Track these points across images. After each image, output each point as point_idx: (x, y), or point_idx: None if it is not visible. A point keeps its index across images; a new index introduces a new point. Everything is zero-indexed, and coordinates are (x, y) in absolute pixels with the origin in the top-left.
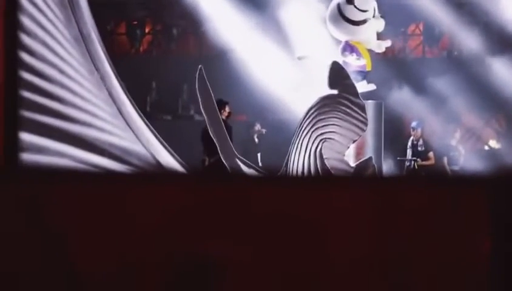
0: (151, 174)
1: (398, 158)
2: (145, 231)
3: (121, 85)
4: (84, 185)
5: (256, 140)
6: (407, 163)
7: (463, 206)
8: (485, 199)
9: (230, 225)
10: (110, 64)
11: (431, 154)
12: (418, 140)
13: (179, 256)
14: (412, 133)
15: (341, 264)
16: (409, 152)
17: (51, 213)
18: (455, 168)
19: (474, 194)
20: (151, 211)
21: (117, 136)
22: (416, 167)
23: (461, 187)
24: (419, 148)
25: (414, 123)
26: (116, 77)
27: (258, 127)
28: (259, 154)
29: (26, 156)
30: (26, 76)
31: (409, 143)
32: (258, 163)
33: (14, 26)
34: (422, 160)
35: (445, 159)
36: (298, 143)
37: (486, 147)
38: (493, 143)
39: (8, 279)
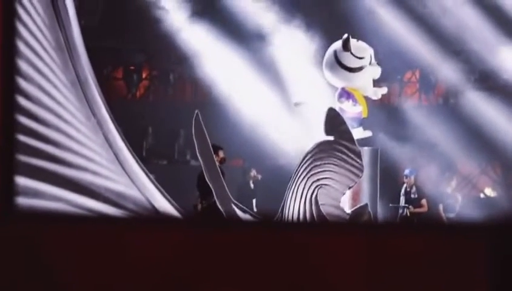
0: (146, 219)
1: (391, 205)
2: (141, 276)
3: (117, 130)
4: (79, 229)
5: (252, 185)
6: (400, 211)
7: (459, 254)
8: (482, 248)
9: (226, 271)
10: (106, 109)
11: (423, 201)
12: (411, 188)
13: None
14: (405, 180)
15: None
16: (402, 199)
17: (47, 256)
18: (451, 215)
19: (470, 242)
20: (147, 256)
21: (113, 180)
22: (408, 214)
23: (458, 234)
24: (412, 196)
25: (407, 171)
26: (113, 122)
27: (253, 172)
28: (254, 200)
29: (22, 200)
30: (23, 119)
31: (402, 191)
32: (253, 208)
33: (11, 71)
34: (415, 208)
35: (441, 207)
36: (294, 189)
37: (482, 195)
38: (489, 192)
39: None
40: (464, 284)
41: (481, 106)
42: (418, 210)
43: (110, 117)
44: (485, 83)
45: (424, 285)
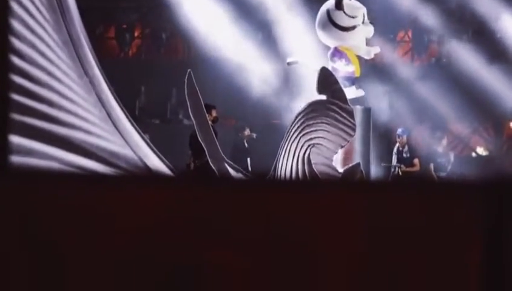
0: (138, 177)
1: (383, 164)
2: (132, 234)
3: (110, 89)
4: (71, 187)
5: (246, 144)
6: (392, 170)
7: (453, 212)
8: (475, 205)
9: (218, 230)
10: (99, 68)
11: (416, 160)
12: (403, 147)
13: (166, 260)
14: (397, 139)
15: (331, 266)
16: (394, 158)
17: (40, 214)
18: (443, 174)
19: (464, 200)
20: (138, 214)
21: (105, 139)
22: (400, 173)
23: (451, 192)
24: (404, 155)
25: (399, 130)
26: (105, 81)
27: (247, 131)
28: (248, 159)
29: (16, 159)
30: (16, 78)
31: (395, 150)
32: (248, 167)
33: (4, 30)
34: (407, 167)
35: (431, 166)
36: (286, 148)
37: (474, 154)
38: (481, 151)
39: None
40: (458, 241)
41: (474, 65)
42: (410, 169)
43: (103, 76)
44: (477, 43)
45: (417, 243)
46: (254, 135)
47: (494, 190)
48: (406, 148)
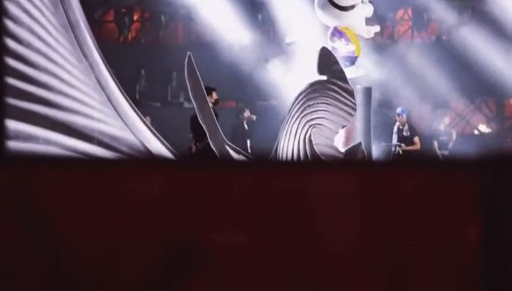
0: (139, 160)
1: (383, 143)
2: (133, 218)
3: (109, 72)
4: (71, 171)
5: (246, 126)
6: (392, 149)
7: (452, 189)
8: (477, 183)
9: (221, 212)
10: (98, 52)
11: (416, 139)
12: (403, 126)
13: (168, 243)
14: (397, 118)
15: (333, 244)
16: (394, 137)
17: (38, 199)
18: (445, 152)
19: (466, 178)
20: (139, 198)
21: (106, 123)
22: (401, 152)
23: (453, 170)
24: (404, 134)
25: (399, 109)
26: (105, 65)
27: (247, 113)
28: (248, 141)
29: (14, 144)
30: (14, 63)
31: (395, 129)
32: (247, 149)
33: (0, 13)
34: (407, 146)
35: (435, 143)
36: (287, 129)
37: (476, 132)
38: (483, 128)
39: None
40: (457, 218)
41: (474, 43)
42: (410, 147)
43: (102, 60)
44: (477, 20)
45: (418, 220)
46: (254, 117)
47: (492, 166)
48: (406, 126)
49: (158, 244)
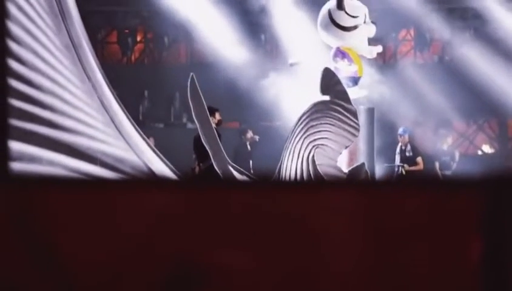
0: (142, 181)
1: (386, 165)
2: (136, 238)
3: (112, 93)
4: (74, 192)
5: (249, 147)
6: (395, 169)
7: (457, 210)
8: (480, 203)
9: (224, 232)
10: (101, 73)
11: (419, 159)
12: (406, 146)
13: (171, 263)
14: (399, 139)
15: (335, 264)
16: (397, 158)
17: (41, 220)
18: (447, 173)
19: (468, 198)
20: (143, 218)
21: (109, 144)
22: (404, 172)
23: (455, 190)
24: (407, 154)
25: (400, 130)
26: (108, 86)
27: (250, 133)
28: (251, 161)
29: (17, 165)
30: (16, 84)
31: (397, 150)
32: (250, 170)
33: (2, 34)
34: (410, 166)
35: (437, 164)
36: (290, 149)
37: (480, 152)
38: (486, 148)
39: None
40: (460, 238)
41: (477, 63)
42: (413, 168)
43: (105, 81)
44: (480, 40)
45: (421, 240)
46: (257, 138)
47: (495, 186)
48: (409, 147)
49: (160, 263)
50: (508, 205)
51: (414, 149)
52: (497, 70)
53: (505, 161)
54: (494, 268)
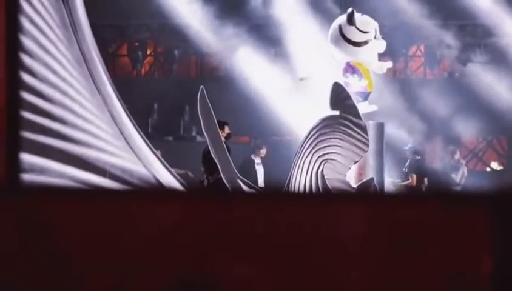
0: (151, 192)
1: (389, 179)
2: (145, 250)
3: (122, 106)
4: (84, 203)
5: (259, 161)
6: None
7: (464, 224)
8: (487, 217)
9: (233, 244)
10: (111, 85)
11: (412, 175)
12: (406, 162)
13: (179, 274)
14: (407, 155)
15: (345, 278)
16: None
17: (51, 230)
18: (457, 188)
19: (476, 213)
20: (151, 230)
21: (118, 156)
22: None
23: (463, 204)
24: (405, 170)
25: (406, 147)
26: (118, 99)
27: (264, 150)
28: (261, 176)
29: (28, 177)
30: (28, 97)
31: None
32: (258, 184)
33: (16, 48)
34: (403, 181)
35: (425, 180)
36: (299, 164)
37: (488, 169)
38: (495, 165)
39: None
40: (469, 251)
41: (487, 79)
42: (404, 183)
43: (115, 94)
44: (490, 57)
45: (428, 254)
46: (265, 152)
47: (503, 202)
48: (408, 163)
49: (166, 273)
50: None
51: (410, 166)
52: (507, 87)
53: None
54: (502, 283)
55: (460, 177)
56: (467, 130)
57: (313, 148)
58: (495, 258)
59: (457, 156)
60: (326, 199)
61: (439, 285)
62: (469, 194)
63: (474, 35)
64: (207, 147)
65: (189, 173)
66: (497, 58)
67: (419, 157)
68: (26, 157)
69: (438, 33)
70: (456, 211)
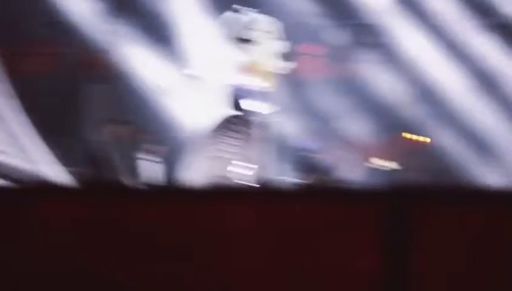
0: (39, 189)
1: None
2: (38, 248)
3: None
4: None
5: (151, 160)
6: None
7: (356, 220)
8: (378, 214)
9: (116, 242)
10: None
11: (307, 173)
12: None
13: (72, 274)
14: (303, 153)
15: (230, 273)
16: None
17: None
18: (349, 185)
19: (368, 210)
20: (41, 228)
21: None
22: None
23: (356, 202)
24: (300, 167)
25: (303, 145)
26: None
27: (160, 148)
28: (154, 174)
29: None
30: None
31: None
32: (150, 182)
33: None
34: (299, 179)
35: (336, 176)
36: (192, 161)
37: (379, 167)
38: (386, 164)
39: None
40: (359, 248)
41: (382, 80)
42: (300, 181)
43: None
44: (384, 57)
45: (319, 251)
46: (157, 151)
47: (396, 198)
48: (303, 160)
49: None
50: (413, 218)
51: (305, 164)
52: (402, 88)
53: (406, 174)
54: (392, 282)
55: (355, 174)
56: (363, 128)
57: (210, 147)
58: (385, 255)
59: (351, 155)
60: (217, 195)
61: (329, 278)
62: (362, 191)
63: (370, 35)
64: (96, 146)
65: (80, 172)
66: (392, 58)
67: (315, 155)
68: None
69: (335, 32)
70: (348, 208)
